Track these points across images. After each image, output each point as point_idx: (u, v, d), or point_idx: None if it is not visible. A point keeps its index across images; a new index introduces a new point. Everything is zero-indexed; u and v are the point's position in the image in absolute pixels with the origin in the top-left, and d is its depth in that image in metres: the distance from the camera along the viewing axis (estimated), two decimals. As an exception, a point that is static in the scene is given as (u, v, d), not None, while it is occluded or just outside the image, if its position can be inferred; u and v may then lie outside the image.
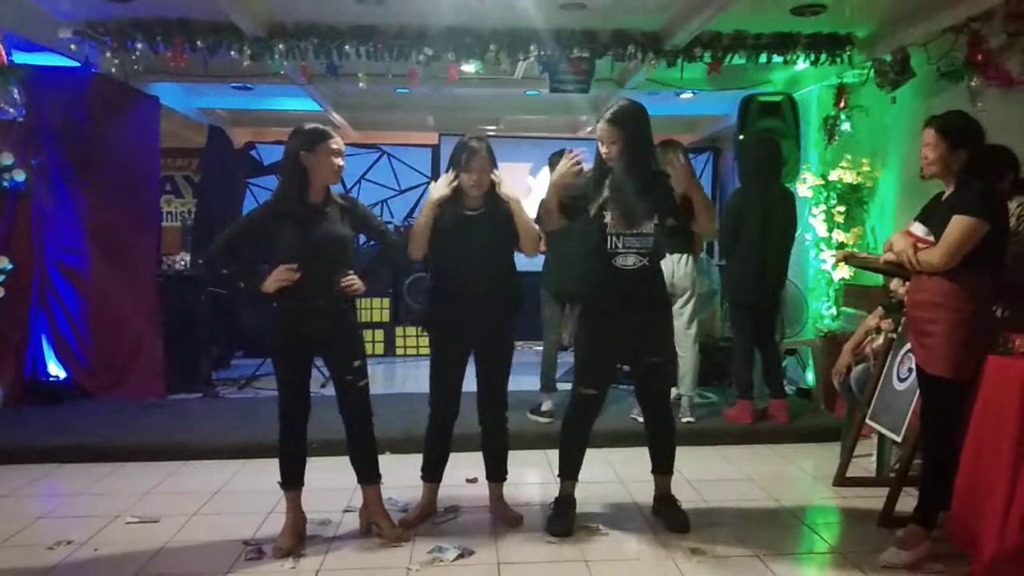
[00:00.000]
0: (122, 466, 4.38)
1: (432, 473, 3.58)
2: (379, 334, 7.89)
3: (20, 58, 5.06)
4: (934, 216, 3.05)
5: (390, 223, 8.71)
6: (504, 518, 3.55)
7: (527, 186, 8.43)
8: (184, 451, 4.51)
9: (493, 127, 8.60)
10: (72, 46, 5.06)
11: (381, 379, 7.11)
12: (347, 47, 5.10)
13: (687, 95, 6.77)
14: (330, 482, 4.06)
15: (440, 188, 3.33)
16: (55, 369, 5.66)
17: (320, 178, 3.18)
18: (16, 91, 4.81)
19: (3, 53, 4.69)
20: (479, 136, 3.39)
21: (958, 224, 2.90)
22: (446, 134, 8.41)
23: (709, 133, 8.58)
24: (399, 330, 7.94)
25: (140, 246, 5.85)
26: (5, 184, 5.15)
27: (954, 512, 3.05)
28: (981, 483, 2.91)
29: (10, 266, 5.18)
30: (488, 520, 3.59)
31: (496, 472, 3.61)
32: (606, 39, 5.28)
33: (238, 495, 3.95)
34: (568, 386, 5.30)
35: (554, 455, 4.36)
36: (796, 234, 5.15)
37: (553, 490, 3.85)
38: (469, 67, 5.27)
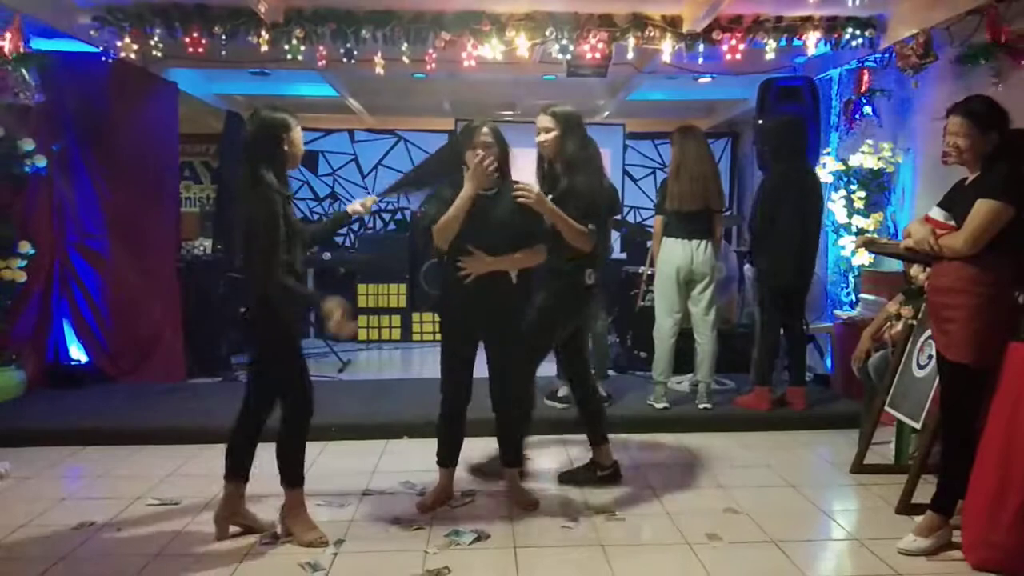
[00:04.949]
0: (143, 449, 4.43)
1: (447, 458, 3.58)
2: (395, 320, 7.92)
3: (39, 44, 5.10)
4: (958, 201, 3.01)
5: (407, 209, 8.74)
6: (520, 502, 3.56)
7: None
8: (204, 434, 4.54)
9: (510, 112, 8.57)
10: (91, 32, 5.08)
11: (398, 364, 7.16)
12: (364, 32, 5.10)
13: (705, 79, 6.70)
14: (348, 466, 4.10)
15: (476, 177, 3.25)
16: (77, 353, 5.73)
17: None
18: (34, 77, 4.84)
19: (21, 40, 4.72)
20: (479, 118, 3.44)
21: (983, 208, 2.86)
22: (463, 119, 8.38)
23: (727, 118, 8.50)
24: (415, 316, 7.96)
25: (159, 231, 5.90)
26: (26, 170, 5.19)
27: (968, 502, 3.03)
28: (1007, 472, 2.88)
29: (32, 251, 5.24)
30: (505, 504, 3.60)
31: (512, 457, 3.61)
32: (624, 22, 5.24)
33: (256, 478, 3.97)
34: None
35: (571, 439, 4.38)
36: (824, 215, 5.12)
37: (569, 475, 3.90)
38: (486, 51, 5.24)
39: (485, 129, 3.33)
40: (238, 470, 3.23)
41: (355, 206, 3.47)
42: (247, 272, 3.10)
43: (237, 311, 6.72)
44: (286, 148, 3.08)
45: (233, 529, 3.24)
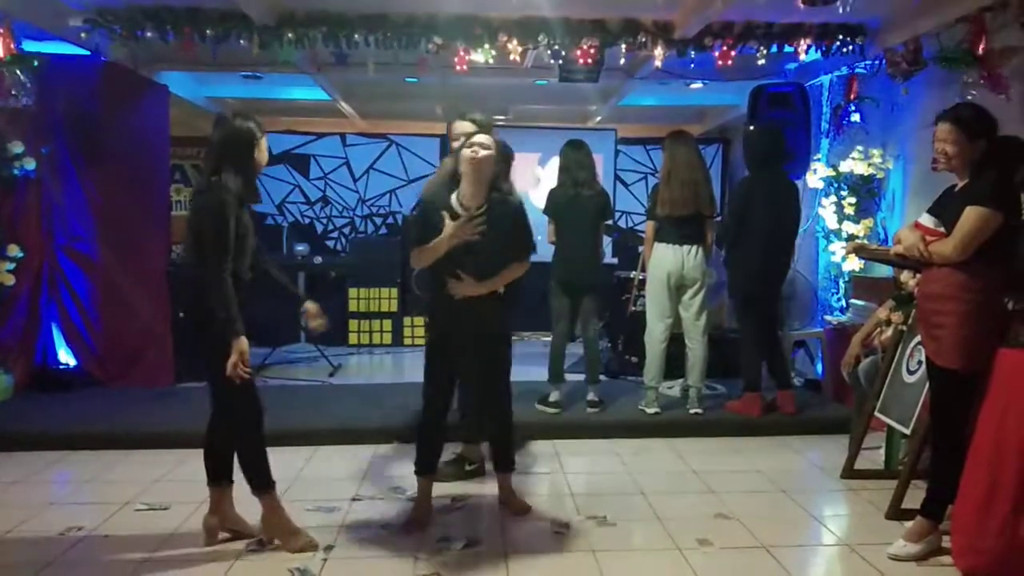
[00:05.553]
0: (132, 453, 4.39)
1: (427, 465, 3.46)
2: (387, 324, 7.89)
3: (30, 46, 5.07)
4: (947, 207, 3.03)
5: (399, 213, 8.73)
6: (512, 508, 3.55)
7: (535, 176, 8.41)
8: (193, 439, 4.46)
9: (502, 117, 8.57)
10: (82, 34, 5.06)
11: (389, 369, 7.14)
12: (356, 35, 5.09)
13: (697, 85, 6.73)
14: (338, 471, 4.09)
15: (459, 232, 3.20)
16: (65, 357, 5.69)
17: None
18: (25, 79, 4.81)
19: (11, 41, 4.69)
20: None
21: (972, 214, 2.88)
22: (455, 124, 8.39)
23: (719, 124, 8.53)
24: (406, 320, 7.94)
25: (150, 234, 5.86)
26: (15, 172, 5.16)
27: (957, 508, 3.04)
28: (996, 478, 2.89)
29: (21, 254, 5.21)
30: (496, 510, 3.59)
31: (504, 462, 3.60)
32: (616, 28, 5.25)
33: (244, 483, 3.96)
34: (577, 377, 5.35)
35: (562, 444, 4.39)
36: (800, 225, 5.13)
37: (561, 479, 3.87)
38: (478, 56, 5.25)
39: (486, 133, 3.32)
40: (220, 474, 3.20)
41: (311, 308, 3.40)
42: (192, 272, 3.04)
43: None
44: (256, 155, 3.09)
45: (222, 534, 3.21)
